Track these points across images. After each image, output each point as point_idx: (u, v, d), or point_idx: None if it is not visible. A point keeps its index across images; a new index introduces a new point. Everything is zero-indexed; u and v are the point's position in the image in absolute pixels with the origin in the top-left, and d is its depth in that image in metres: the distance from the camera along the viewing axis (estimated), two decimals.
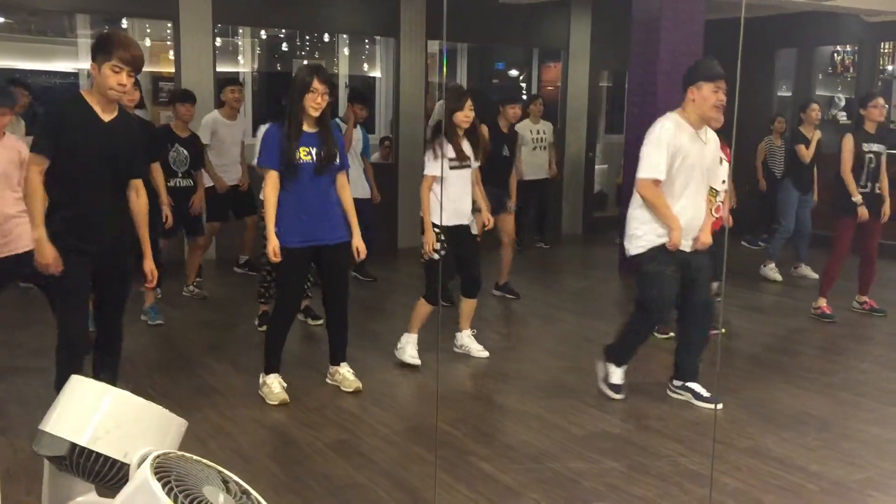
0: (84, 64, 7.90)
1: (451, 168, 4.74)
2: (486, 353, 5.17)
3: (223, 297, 6.62)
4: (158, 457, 1.68)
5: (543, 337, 5.88)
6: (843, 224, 6.08)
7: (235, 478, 1.77)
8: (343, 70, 9.37)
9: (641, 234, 4.25)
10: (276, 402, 4.24)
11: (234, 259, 7.43)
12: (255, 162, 4.57)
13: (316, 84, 4.09)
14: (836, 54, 11.07)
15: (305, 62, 9.55)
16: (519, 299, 6.70)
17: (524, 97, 9.35)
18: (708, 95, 4.09)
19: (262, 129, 4.76)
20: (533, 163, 8.46)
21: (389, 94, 9.21)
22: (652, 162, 4.12)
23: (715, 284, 5.17)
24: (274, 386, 4.32)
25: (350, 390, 4.45)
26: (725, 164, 5.37)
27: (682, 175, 4.16)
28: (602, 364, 4.52)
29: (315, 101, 4.10)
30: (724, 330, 5.82)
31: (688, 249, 4.25)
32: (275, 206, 4.13)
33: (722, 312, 5.96)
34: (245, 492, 1.73)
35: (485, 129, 5.98)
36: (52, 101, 7.93)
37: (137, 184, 3.76)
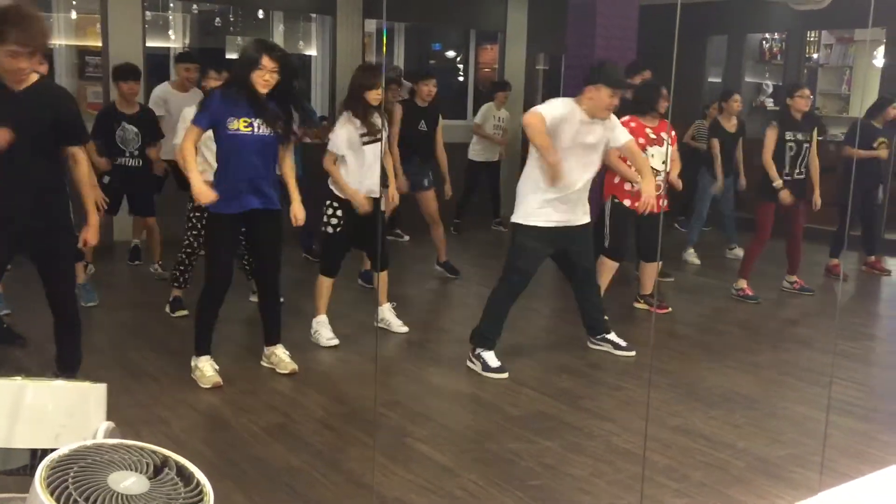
0: (59, 39, 7.61)
1: (364, 144, 4.79)
2: (405, 329, 5.21)
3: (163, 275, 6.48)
4: (54, 460, 1.64)
5: (473, 317, 5.91)
6: (764, 209, 6.28)
7: (166, 452, 1.74)
8: None
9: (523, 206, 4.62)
10: (208, 386, 4.16)
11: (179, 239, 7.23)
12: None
13: (265, 62, 4.00)
14: (764, 42, 11.34)
15: (238, 39, 9.36)
16: (459, 277, 6.72)
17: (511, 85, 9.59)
18: (604, 98, 4.43)
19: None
20: (488, 147, 8.81)
21: (326, 74, 9.09)
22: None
23: (658, 264, 5.50)
24: (206, 369, 4.24)
25: (286, 372, 4.40)
26: (666, 146, 5.52)
27: (564, 148, 4.45)
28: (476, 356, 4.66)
29: (262, 79, 4.01)
30: (670, 308, 5.98)
31: (558, 224, 4.58)
32: (193, 158, 4.07)
33: (658, 292, 6.09)
34: (164, 460, 1.69)
35: (398, 108, 6.19)
36: None
37: (73, 151, 3.63)
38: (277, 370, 4.43)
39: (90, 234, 3.74)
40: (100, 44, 7.65)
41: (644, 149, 5.38)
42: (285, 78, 4.08)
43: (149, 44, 7.89)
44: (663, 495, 3.23)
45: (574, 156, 4.49)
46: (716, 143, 7.45)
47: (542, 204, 4.53)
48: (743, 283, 6.43)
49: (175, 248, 5.54)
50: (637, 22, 7.79)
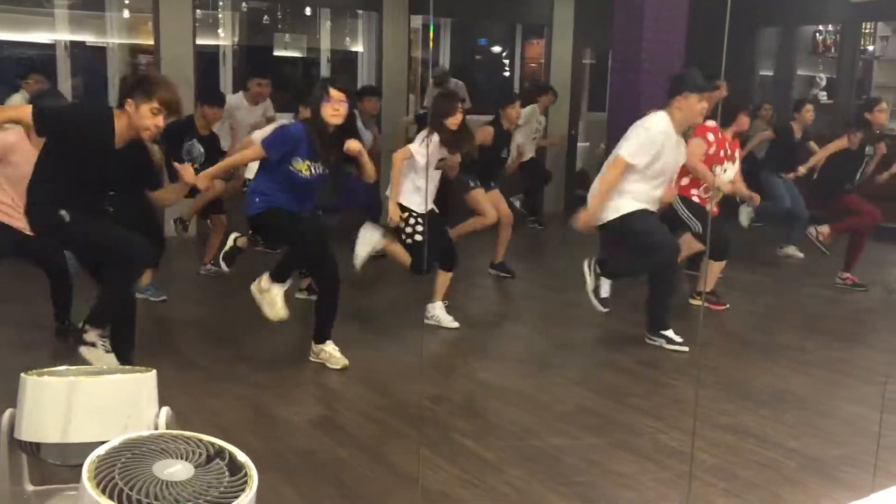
0: (62, 35, 7.78)
1: (436, 168, 5.10)
2: (456, 324, 5.22)
3: (224, 276, 6.56)
4: (104, 453, 1.67)
5: (526, 314, 5.91)
6: (848, 198, 6.44)
7: (222, 443, 1.77)
8: (325, 44, 9.26)
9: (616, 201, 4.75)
10: (272, 316, 4.43)
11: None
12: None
13: (333, 93, 4.22)
14: (818, 34, 11.10)
15: (286, 36, 9.46)
16: (513, 278, 6.67)
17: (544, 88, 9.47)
18: (694, 105, 4.48)
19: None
20: (528, 147, 8.66)
21: (372, 69, 9.13)
22: (636, 149, 4.55)
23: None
24: (278, 297, 4.43)
25: (338, 367, 4.43)
26: (733, 165, 5.48)
27: (656, 173, 4.66)
28: (593, 275, 4.98)
29: (334, 109, 4.21)
30: (727, 305, 5.93)
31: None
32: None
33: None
34: (219, 451, 1.73)
35: (485, 132, 6.27)
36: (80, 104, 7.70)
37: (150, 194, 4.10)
38: (328, 365, 4.46)
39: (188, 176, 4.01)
40: (151, 42, 7.78)
41: (721, 162, 5.36)
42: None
43: (199, 41, 8.01)
44: (711, 494, 3.19)
45: (670, 171, 4.76)
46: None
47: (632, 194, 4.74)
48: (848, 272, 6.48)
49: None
50: (686, 14, 7.66)
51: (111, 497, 1.51)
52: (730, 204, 7.22)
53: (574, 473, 3.33)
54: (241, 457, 1.72)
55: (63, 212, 3.67)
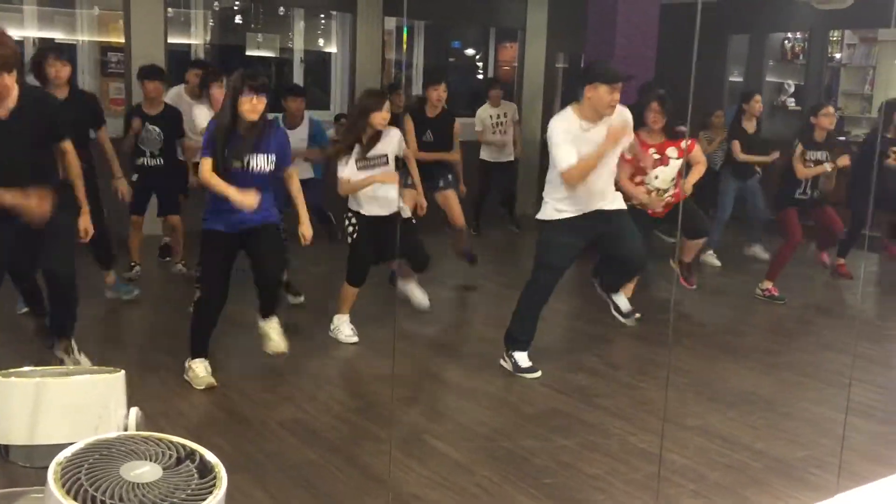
0: (30, 32, 7.67)
1: (364, 168, 4.74)
2: (427, 303, 5.29)
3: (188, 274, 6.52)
4: (70, 455, 1.66)
5: (496, 317, 5.90)
6: (786, 214, 6.25)
7: (194, 445, 1.76)
8: (298, 45, 9.22)
9: (544, 204, 4.58)
10: (202, 387, 4.11)
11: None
12: None
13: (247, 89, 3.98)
14: (786, 41, 11.24)
15: (259, 36, 9.41)
16: (475, 264, 6.66)
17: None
18: (603, 96, 4.29)
19: None
20: (496, 147, 8.46)
21: (345, 71, 9.11)
22: (563, 156, 4.32)
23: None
24: (199, 370, 4.17)
25: (272, 351, 4.31)
26: (674, 164, 5.35)
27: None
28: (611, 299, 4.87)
29: (251, 103, 3.98)
30: (695, 286, 6.08)
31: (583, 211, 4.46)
32: (219, 181, 4.04)
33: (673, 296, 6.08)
34: (190, 454, 1.71)
35: (408, 125, 5.97)
36: None
37: (64, 146, 3.80)
38: (264, 348, 4.32)
39: (84, 222, 3.87)
40: (122, 40, 7.71)
41: (645, 173, 5.24)
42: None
43: (170, 40, 7.94)
44: (679, 495, 3.22)
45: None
46: (736, 144, 7.33)
47: (561, 199, 4.46)
48: (769, 284, 6.39)
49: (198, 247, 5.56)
50: (658, 20, 7.75)
51: (75, 498, 1.50)
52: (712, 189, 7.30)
53: (544, 475, 3.35)
54: (212, 459, 1.71)
55: None
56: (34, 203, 3.56)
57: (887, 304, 6.72)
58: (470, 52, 11.56)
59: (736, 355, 5.06)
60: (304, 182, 4.72)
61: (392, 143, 4.83)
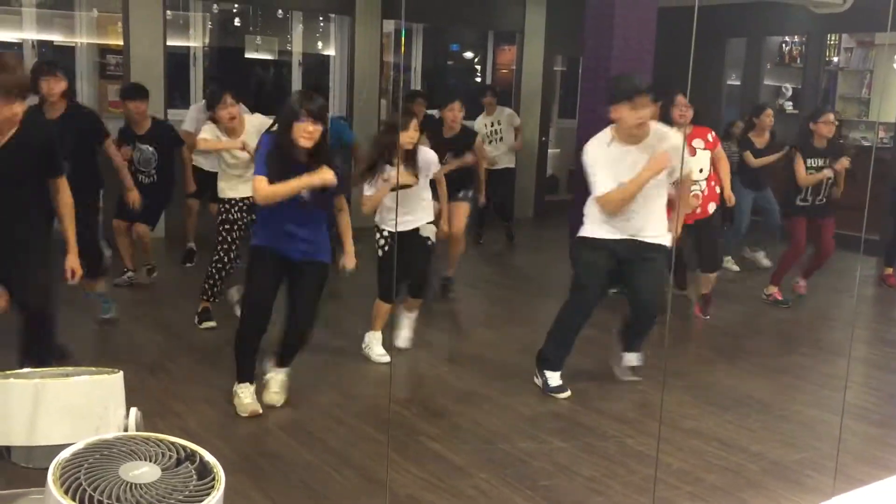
0: (29, 34, 7.68)
1: (396, 189, 4.57)
2: (406, 345, 4.94)
3: (175, 276, 6.52)
4: (69, 456, 1.67)
5: (494, 319, 5.93)
6: (793, 222, 6.26)
7: (194, 447, 1.76)
8: (297, 48, 9.23)
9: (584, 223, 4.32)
10: (245, 414, 3.86)
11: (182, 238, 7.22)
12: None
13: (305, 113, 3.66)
14: (784, 45, 11.27)
15: (258, 39, 9.42)
16: (452, 295, 6.36)
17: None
18: (626, 115, 4.01)
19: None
20: (488, 155, 8.01)
21: (344, 74, 9.12)
22: (598, 182, 4.10)
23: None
24: (244, 395, 3.92)
25: (267, 402, 4.00)
26: (701, 154, 5.41)
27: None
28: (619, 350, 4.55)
29: (305, 131, 3.70)
30: (708, 317, 5.92)
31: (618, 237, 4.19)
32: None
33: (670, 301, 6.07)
34: (190, 455, 1.72)
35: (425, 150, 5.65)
36: None
37: (58, 183, 3.59)
38: (262, 397, 4.01)
39: (72, 262, 3.64)
40: (121, 42, 7.72)
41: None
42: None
43: (169, 42, 7.95)
44: (676, 497, 3.23)
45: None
46: (749, 153, 7.30)
47: (597, 221, 4.23)
48: (773, 289, 6.39)
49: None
50: (655, 24, 7.76)
51: (74, 498, 1.51)
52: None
53: (541, 477, 3.36)
54: (211, 460, 1.72)
55: None
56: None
57: (883, 307, 6.73)
58: (468, 54, 11.58)
59: (733, 358, 5.07)
60: None
61: (425, 162, 4.74)
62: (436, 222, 4.97)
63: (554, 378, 4.37)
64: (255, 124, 5.01)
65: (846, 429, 4.01)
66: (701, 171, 5.42)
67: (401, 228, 4.76)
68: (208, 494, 1.61)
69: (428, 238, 4.86)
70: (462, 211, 6.22)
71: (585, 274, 4.29)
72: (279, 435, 3.67)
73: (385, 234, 4.76)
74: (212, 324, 5.21)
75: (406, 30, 9.85)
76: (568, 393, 4.33)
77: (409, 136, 4.60)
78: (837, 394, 4.45)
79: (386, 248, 4.75)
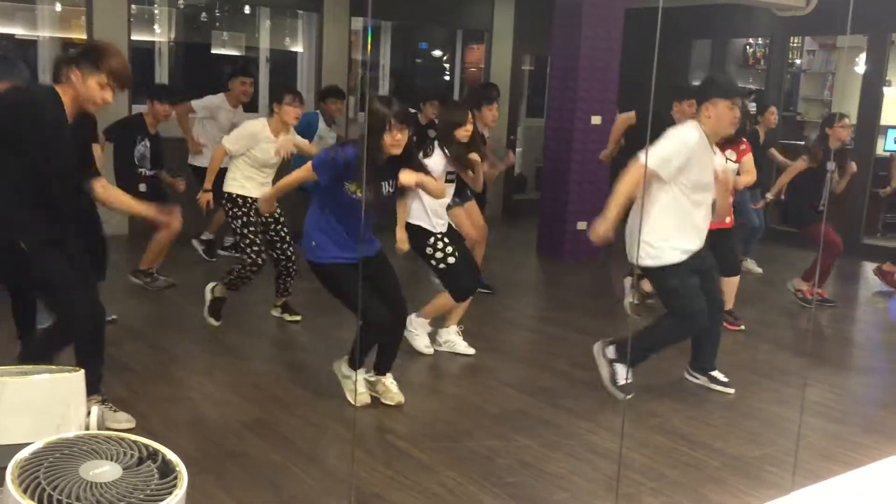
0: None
1: (448, 181, 4.71)
2: (472, 350, 4.93)
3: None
4: (28, 455, 1.65)
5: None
6: (816, 228, 6.30)
7: (157, 445, 1.75)
8: (264, 44, 9.18)
9: (658, 248, 4.14)
10: (358, 405, 4.00)
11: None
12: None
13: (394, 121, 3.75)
14: (748, 46, 11.43)
15: (224, 34, 9.34)
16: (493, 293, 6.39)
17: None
18: (724, 112, 4.06)
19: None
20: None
21: (311, 71, 9.09)
22: (664, 156, 4.02)
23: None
24: (359, 384, 4.04)
25: (392, 403, 4.06)
26: (729, 167, 5.28)
27: (698, 185, 4.11)
28: (606, 361, 4.33)
29: (395, 139, 3.78)
30: (743, 326, 5.82)
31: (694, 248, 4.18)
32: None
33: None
34: (153, 454, 1.71)
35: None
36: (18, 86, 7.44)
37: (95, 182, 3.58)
38: (383, 400, 4.09)
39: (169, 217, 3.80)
40: (84, 36, 7.61)
41: None
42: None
43: (134, 37, 7.86)
44: (639, 493, 3.27)
45: (709, 190, 4.18)
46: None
47: (673, 240, 4.14)
48: (804, 285, 6.46)
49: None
50: (622, 24, 7.84)
51: (33, 497, 1.49)
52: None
53: (507, 474, 3.38)
54: (173, 459, 1.71)
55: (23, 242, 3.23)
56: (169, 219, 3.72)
57: (841, 307, 6.85)
58: (437, 53, 11.59)
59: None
60: None
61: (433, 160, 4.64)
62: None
63: (622, 373, 4.26)
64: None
65: (806, 425, 4.08)
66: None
67: (438, 227, 4.70)
68: (170, 493, 1.60)
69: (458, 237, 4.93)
70: (475, 209, 6.03)
71: (693, 298, 4.16)
72: (245, 434, 3.65)
73: (445, 239, 4.67)
74: (215, 323, 5.12)
75: (374, 27, 9.83)
76: (630, 395, 4.25)
77: (465, 130, 4.64)
78: (798, 391, 4.53)
79: (453, 251, 4.65)
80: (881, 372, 5.21)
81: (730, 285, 5.58)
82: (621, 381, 4.26)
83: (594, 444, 3.72)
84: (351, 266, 3.93)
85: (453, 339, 4.97)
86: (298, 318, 5.36)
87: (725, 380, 4.53)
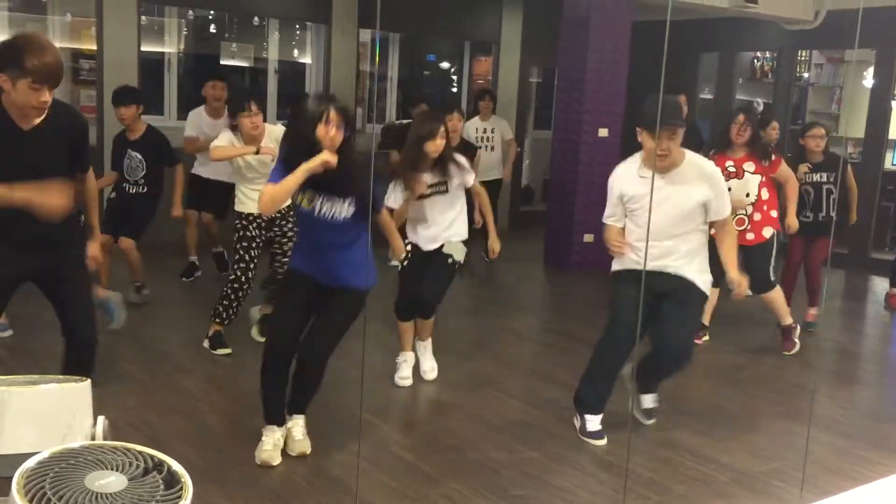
0: (0, 37, 7.60)
1: (423, 197, 4.33)
2: (433, 375, 4.70)
3: (158, 281, 6.46)
4: (34, 465, 1.65)
5: (467, 330, 5.94)
6: (792, 240, 6.07)
7: (163, 456, 1.75)
8: (272, 55, 9.21)
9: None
10: (257, 462, 3.47)
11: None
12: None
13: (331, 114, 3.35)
14: (756, 60, 11.43)
15: (233, 45, 9.39)
16: None
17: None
18: (646, 143, 3.70)
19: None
20: (481, 165, 7.54)
21: (320, 82, 9.12)
22: (607, 211, 3.89)
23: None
24: (266, 441, 3.51)
25: (293, 454, 3.56)
26: (749, 178, 5.23)
27: (641, 217, 3.77)
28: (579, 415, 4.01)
29: (435, 146, 3.83)
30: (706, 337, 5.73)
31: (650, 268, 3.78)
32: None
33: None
34: (158, 464, 1.71)
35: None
36: None
37: (88, 176, 3.44)
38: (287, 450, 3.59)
39: (94, 250, 3.51)
40: (94, 47, 7.66)
41: None
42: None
43: (144, 48, 7.90)
44: None
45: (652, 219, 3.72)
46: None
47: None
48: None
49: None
50: (630, 37, 7.85)
51: None
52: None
53: (512, 486, 3.37)
54: (178, 469, 1.71)
55: None
56: (51, 198, 3.10)
57: (850, 320, 6.83)
58: (445, 65, 11.62)
59: (703, 369, 5.11)
60: None
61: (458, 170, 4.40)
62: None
63: (593, 423, 3.93)
64: (276, 134, 4.78)
65: (814, 440, 4.06)
66: (748, 195, 5.20)
67: (421, 244, 4.45)
68: None
69: (450, 256, 4.45)
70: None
71: (620, 307, 3.89)
72: (250, 444, 3.64)
73: (408, 247, 4.45)
74: (226, 350, 4.85)
75: (382, 39, 9.87)
76: (604, 441, 3.88)
77: (435, 146, 4.24)
78: (806, 405, 4.51)
79: (405, 262, 4.46)
80: (889, 386, 5.19)
81: (771, 302, 5.43)
82: (647, 405, 4.05)
83: (600, 457, 3.71)
84: (306, 279, 3.53)
85: (399, 365, 4.65)
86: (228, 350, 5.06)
87: (647, 407, 4.08)
